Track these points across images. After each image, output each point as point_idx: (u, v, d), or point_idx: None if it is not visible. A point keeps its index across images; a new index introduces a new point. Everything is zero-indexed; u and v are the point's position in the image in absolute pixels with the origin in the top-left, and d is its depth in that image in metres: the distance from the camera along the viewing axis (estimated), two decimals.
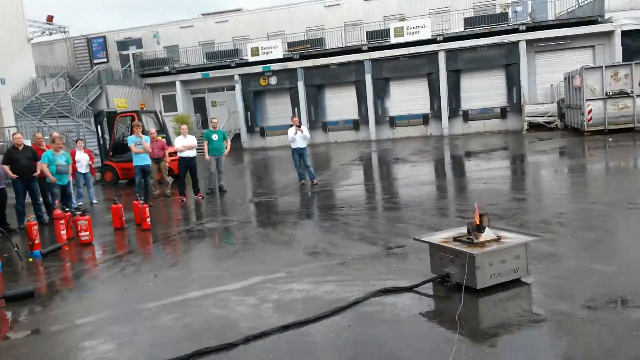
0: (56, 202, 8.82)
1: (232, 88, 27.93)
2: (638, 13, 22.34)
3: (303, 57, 26.38)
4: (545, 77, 23.32)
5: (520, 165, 13.73)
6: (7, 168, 8.88)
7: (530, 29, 23.24)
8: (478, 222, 4.70)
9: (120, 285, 5.67)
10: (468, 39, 23.95)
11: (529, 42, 23.14)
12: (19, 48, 24.30)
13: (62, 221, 7.61)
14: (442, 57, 24.32)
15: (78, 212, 7.90)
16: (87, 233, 7.53)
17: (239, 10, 32.74)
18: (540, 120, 22.12)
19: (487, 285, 4.39)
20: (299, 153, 11.89)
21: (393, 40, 24.77)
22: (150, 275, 5.87)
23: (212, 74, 27.82)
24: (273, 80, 27.19)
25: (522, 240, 4.68)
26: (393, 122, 25.93)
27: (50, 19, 28.67)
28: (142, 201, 8.68)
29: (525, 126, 22.12)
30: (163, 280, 5.65)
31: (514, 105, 23.65)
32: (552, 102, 22.47)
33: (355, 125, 26.54)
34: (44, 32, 28.93)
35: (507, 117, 24.17)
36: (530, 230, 6.02)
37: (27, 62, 25.27)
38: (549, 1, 25.31)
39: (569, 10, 24.34)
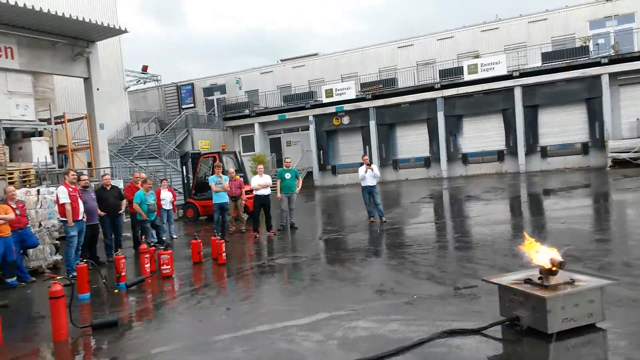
0: (142, 237, 9.54)
1: (307, 128, 28.89)
2: None
3: (375, 97, 26.83)
4: (630, 110, 21.99)
5: (603, 204, 12.92)
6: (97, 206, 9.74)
7: (613, 61, 22.14)
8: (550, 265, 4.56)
9: (196, 317, 5.97)
10: (546, 74, 23.25)
11: (612, 75, 22.03)
12: (117, 96, 26.83)
13: (147, 255, 8.22)
14: (518, 93, 23.75)
15: (161, 247, 8.51)
16: (169, 266, 8.06)
17: (314, 55, 34.11)
18: (625, 156, 20.73)
19: (558, 330, 4.22)
20: (368, 191, 12.04)
21: (467, 77, 24.61)
22: (223, 308, 6.17)
23: (288, 115, 29.05)
24: (346, 120, 27.82)
25: (597, 284, 4.48)
26: (466, 159, 25.44)
27: (144, 68, 31.55)
28: (219, 237, 9.18)
29: (609, 162, 20.83)
30: (235, 313, 5.92)
31: (597, 140, 22.42)
32: (639, 137, 21.03)
33: (427, 162, 26.31)
34: (139, 81, 31.82)
35: (589, 153, 22.92)
36: (609, 273, 5.71)
37: (123, 109, 27.80)
38: (635, 32, 24.09)
39: None
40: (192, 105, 34.92)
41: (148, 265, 8.16)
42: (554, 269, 4.49)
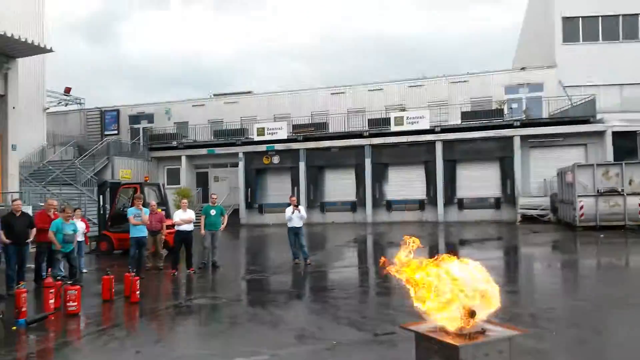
0: (49, 270, 8.83)
1: (236, 165, 28.63)
2: (628, 115, 23.44)
3: (306, 139, 27.28)
4: (539, 171, 23.94)
5: (512, 257, 13.78)
6: (1, 233, 8.96)
7: (524, 125, 24.23)
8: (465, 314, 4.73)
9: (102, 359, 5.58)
10: (464, 131, 24.90)
11: (524, 138, 24.02)
12: (35, 116, 25.13)
13: (52, 290, 7.58)
14: (439, 147, 25.16)
15: (69, 282, 7.91)
16: (75, 303, 7.47)
17: (249, 92, 34.25)
18: (533, 212, 22.45)
19: None
20: (294, 232, 12.01)
21: (393, 128, 25.76)
22: (133, 350, 5.79)
23: (218, 150, 28.69)
24: (276, 160, 27.93)
25: (506, 334, 4.68)
26: (390, 205, 26.28)
27: (67, 90, 30.01)
28: (133, 273, 8.69)
29: (519, 218, 22.42)
30: (146, 356, 5.58)
31: (508, 196, 24.09)
32: (545, 196, 22.91)
33: (353, 207, 26.85)
34: (60, 102, 30.17)
35: (501, 208, 24.50)
36: (517, 323, 6.02)
37: (40, 130, 26.05)
38: (544, 100, 26.58)
39: (562, 110, 25.48)
40: (115, 132, 33.49)
41: (52, 301, 7.53)
42: (468, 320, 4.67)
